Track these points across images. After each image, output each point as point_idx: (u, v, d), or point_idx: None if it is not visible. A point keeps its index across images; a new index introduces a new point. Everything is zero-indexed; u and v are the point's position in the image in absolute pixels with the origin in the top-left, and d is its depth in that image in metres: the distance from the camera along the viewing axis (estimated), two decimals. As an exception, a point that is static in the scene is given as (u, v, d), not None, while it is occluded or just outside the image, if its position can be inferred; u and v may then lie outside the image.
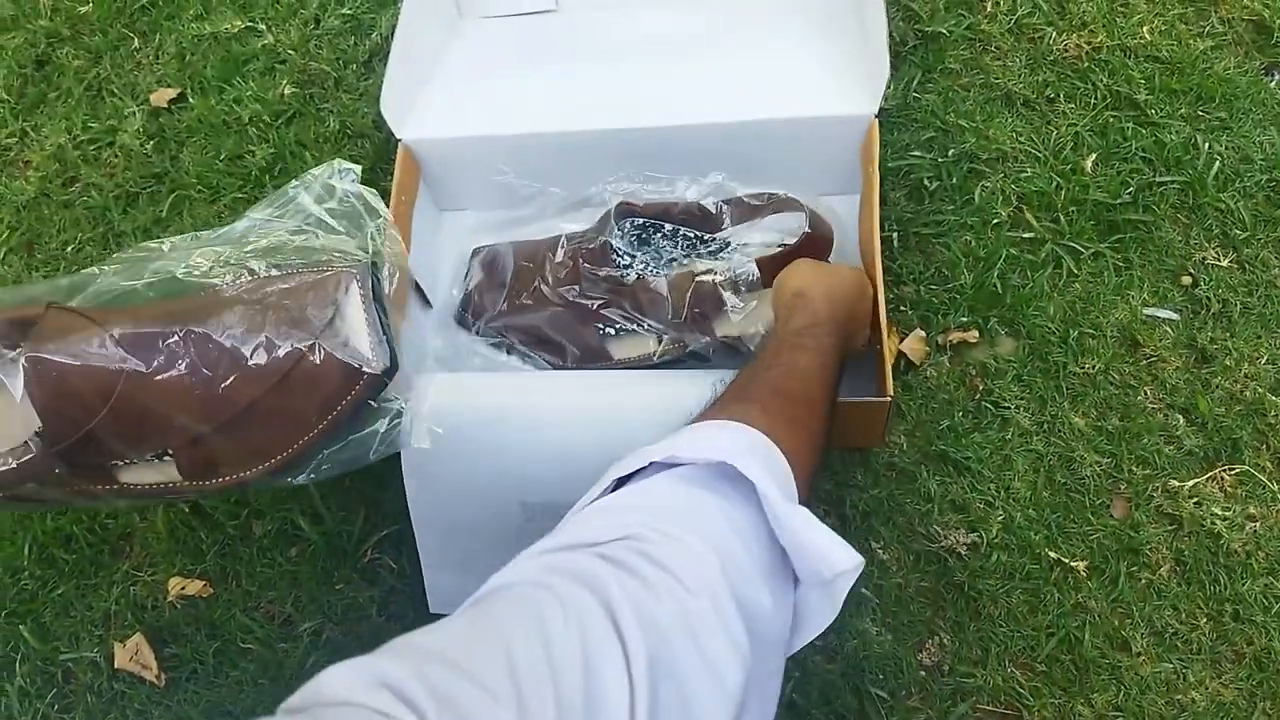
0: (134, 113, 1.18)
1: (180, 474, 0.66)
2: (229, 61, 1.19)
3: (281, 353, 0.63)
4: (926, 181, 0.99)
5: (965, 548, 0.84)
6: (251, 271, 0.68)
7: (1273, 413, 0.86)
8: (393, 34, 1.12)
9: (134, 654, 0.91)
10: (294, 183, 0.73)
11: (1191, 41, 1.02)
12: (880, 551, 0.85)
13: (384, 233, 0.71)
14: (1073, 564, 0.83)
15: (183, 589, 0.92)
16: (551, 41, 1.05)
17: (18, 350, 0.64)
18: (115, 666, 0.91)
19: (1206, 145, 0.96)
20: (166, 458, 0.67)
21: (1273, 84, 0.99)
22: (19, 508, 0.75)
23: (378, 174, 1.09)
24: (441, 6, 1.06)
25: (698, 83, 0.95)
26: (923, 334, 0.92)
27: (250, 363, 0.63)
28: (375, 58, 1.16)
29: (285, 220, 0.72)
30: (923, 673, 0.82)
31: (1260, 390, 0.87)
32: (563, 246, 0.93)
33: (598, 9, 1.06)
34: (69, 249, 1.11)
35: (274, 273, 0.68)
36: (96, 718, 0.89)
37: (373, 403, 0.66)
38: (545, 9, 1.08)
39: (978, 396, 0.89)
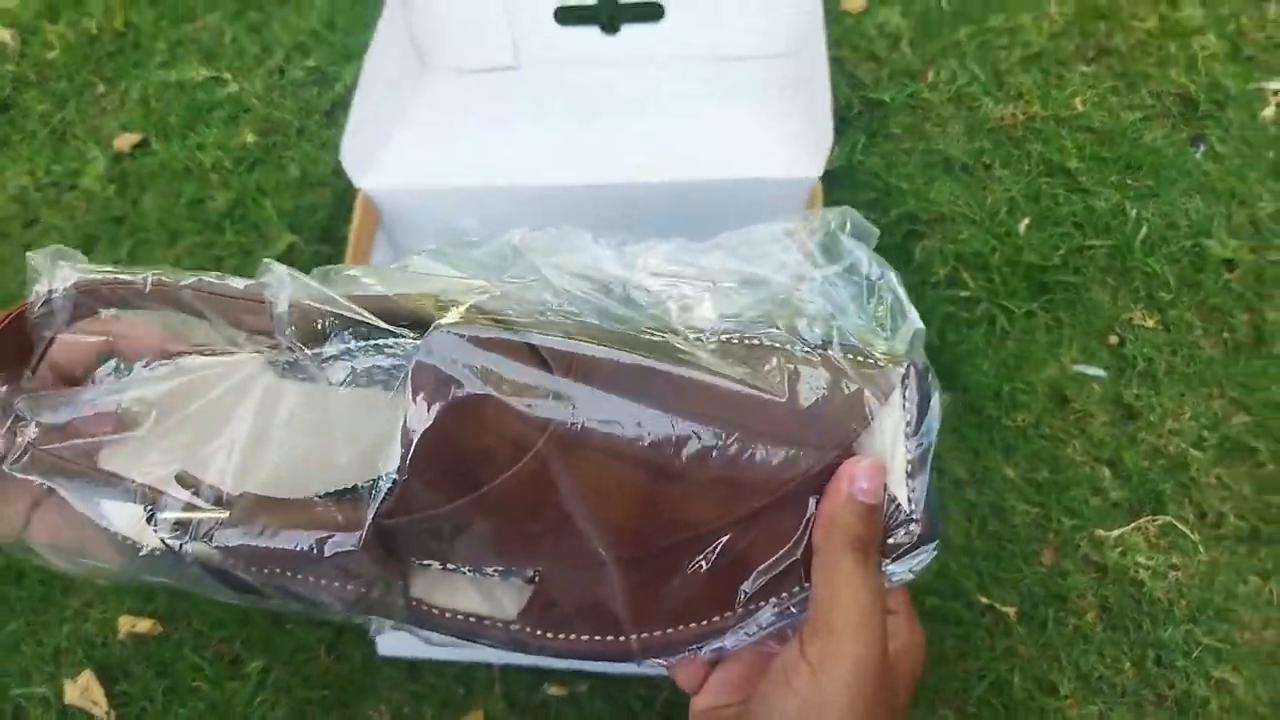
0: (97, 157, 1.20)
1: (525, 610, 0.43)
2: (193, 109, 1.21)
3: (772, 467, 0.40)
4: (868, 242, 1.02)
5: (901, 593, 0.87)
6: (745, 340, 0.44)
7: (1195, 467, 0.90)
8: (356, 86, 1.15)
9: (84, 690, 0.91)
10: (782, 226, 0.50)
11: (1122, 113, 1.07)
12: (820, 597, 0.88)
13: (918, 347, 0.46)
14: (1003, 609, 0.86)
15: (133, 627, 0.93)
16: (512, 97, 1.08)
17: (400, 340, 0.43)
18: (65, 702, 0.91)
19: (1134, 211, 1.01)
20: (515, 579, 0.43)
21: (1197, 154, 1.04)
22: (202, 589, 0.45)
23: (336, 221, 1.11)
24: (405, 59, 1.08)
25: (652, 142, 0.99)
26: (863, 387, 0.95)
27: (719, 472, 0.40)
28: (338, 108, 1.19)
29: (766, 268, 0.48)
30: (859, 715, 0.84)
31: (1183, 445, 0.91)
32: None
33: (558, 66, 1.09)
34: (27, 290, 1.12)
35: (780, 346, 0.43)
36: (43, 755, 0.90)
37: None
38: (505, 65, 1.11)
39: (915, 448, 0.93)
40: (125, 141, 1.20)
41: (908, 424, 0.41)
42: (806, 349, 0.43)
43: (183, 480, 0.43)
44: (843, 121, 1.09)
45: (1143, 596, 0.86)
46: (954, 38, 1.13)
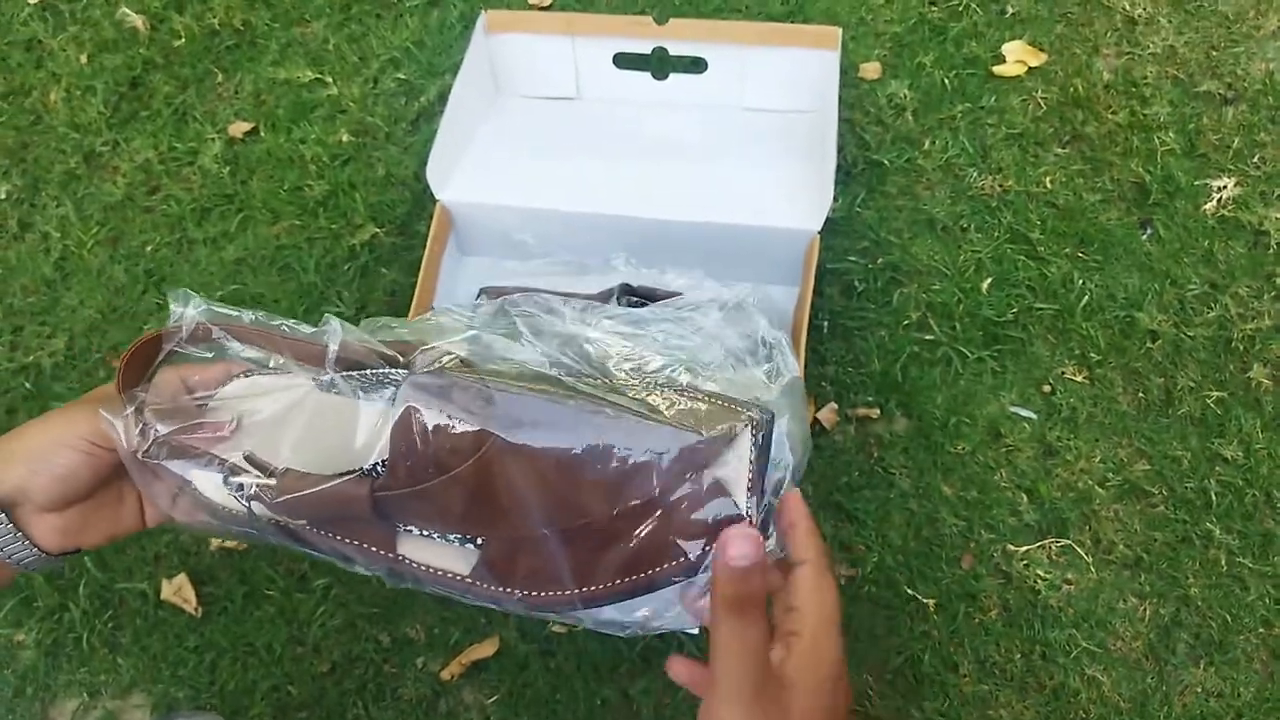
0: (213, 139, 1.39)
1: (475, 568, 0.59)
2: (298, 105, 1.40)
3: (650, 473, 0.54)
4: (857, 283, 1.21)
5: (845, 579, 1.07)
6: (656, 384, 0.60)
7: (1097, 501, 1.08)
8: (439, 100, 1.34)
9: (177, 589, 1.11)
10: (697, 301, 0.66)
11: (1085, 194, 1.24)
12: (779, 575, 1.08)
13: (795, 390, 0.62)
14: (924, 600, 1.05)
15: (223, 543, 1.13)
16: (570, 127, 1.25)
17: (398, 373, 0.61)
18: (160, 597, 1.11)
19: (1081, 281, 1.18)
20: (470, 545, 0.60)
21: (1144, 237, 1.22)
22: (269, 539, 0.64)
23: (413, 218, 1.30)
24: (483, 83, 1.26)
25: (684, 184, 1.14)
26: (835, 406, 1.14)
27: (612, 475, 0.55)
28: (421, 118, 1.38)
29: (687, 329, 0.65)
30: (799, 672, 1.04)
31: (1090, 483, 1.09)
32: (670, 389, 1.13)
33: (610, 103, 1.26)
34: (148, 248, 1.32)
35: (666, 393, 0.59)
36: (142, 636, 1.09)
37: None
38: (567, 96, 1.29)
39: (872, 462, 1.12)
40: (238, 128, 1.39)
41: (752, 455, 0.54)
42: (694, 395, 0.59)
43: (250, 459, 0.63)
44: (848, 176, 1.27)
45: (1038, 602, 1.05)
46: (951, 112, 1.31)
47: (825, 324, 1.19)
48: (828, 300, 1.20)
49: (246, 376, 0.67)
